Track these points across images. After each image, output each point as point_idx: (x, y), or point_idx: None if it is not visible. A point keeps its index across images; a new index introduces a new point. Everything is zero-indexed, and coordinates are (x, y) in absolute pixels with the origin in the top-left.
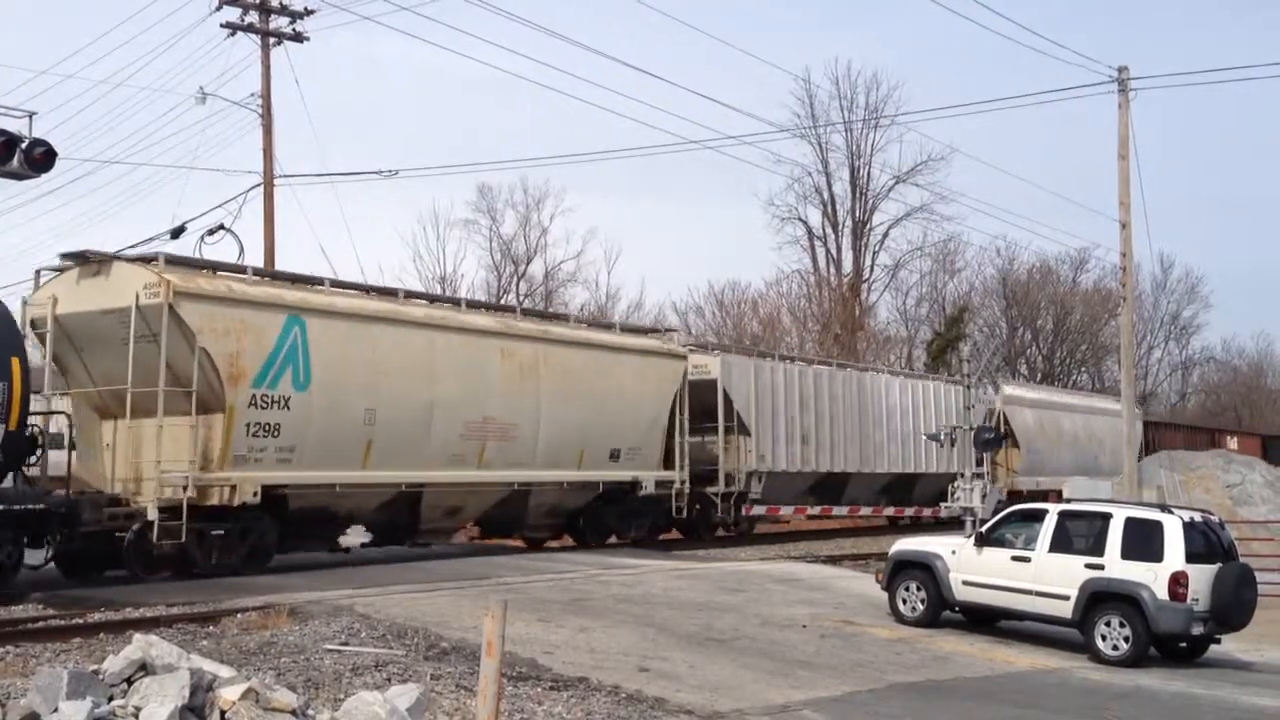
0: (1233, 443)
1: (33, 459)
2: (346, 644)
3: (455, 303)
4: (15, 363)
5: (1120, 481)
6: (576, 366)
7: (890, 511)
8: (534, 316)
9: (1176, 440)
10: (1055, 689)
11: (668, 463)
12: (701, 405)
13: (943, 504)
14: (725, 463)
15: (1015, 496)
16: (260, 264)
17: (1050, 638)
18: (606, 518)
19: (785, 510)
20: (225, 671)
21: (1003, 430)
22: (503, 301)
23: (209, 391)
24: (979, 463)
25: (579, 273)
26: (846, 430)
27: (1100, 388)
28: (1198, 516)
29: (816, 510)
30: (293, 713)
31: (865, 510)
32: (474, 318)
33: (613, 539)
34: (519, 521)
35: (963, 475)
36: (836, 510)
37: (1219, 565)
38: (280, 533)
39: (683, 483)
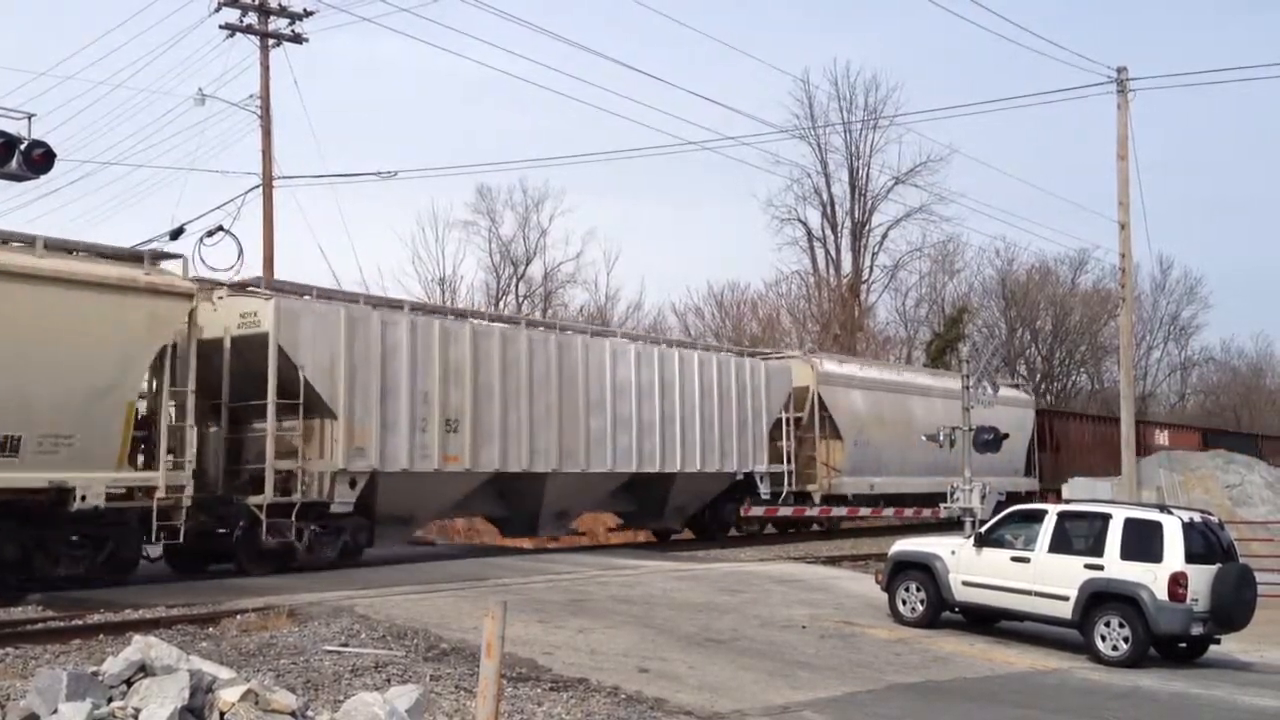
0: (1163, 437)
1: None
2: (346, 645)
3: None
4: None
5: (1120, 482)
6: None
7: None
8: None
9: (1083, 434)
10: (1055, 689)
11: (150, 460)
12: (264, 374)
13: (942, 504)
14: (291, 459)
15: (835, 501)
16: (260, 266)
17: (1050, 638)
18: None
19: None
20: (225, 673)
21: (818, 416)
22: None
23: None
24: (788, 458)
25: (578, 274)
26: (536, 414)
27: (1099, 388)
28: (1197, 517)
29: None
30: (292, 714)
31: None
32: None
33: (36, 594)
34: None
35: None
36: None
37: (1218, 566)
38: None
39: (175, 490)
